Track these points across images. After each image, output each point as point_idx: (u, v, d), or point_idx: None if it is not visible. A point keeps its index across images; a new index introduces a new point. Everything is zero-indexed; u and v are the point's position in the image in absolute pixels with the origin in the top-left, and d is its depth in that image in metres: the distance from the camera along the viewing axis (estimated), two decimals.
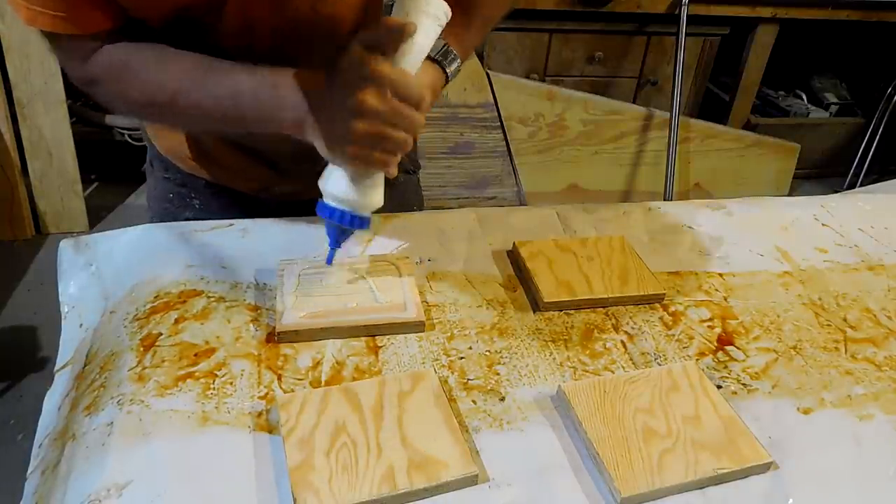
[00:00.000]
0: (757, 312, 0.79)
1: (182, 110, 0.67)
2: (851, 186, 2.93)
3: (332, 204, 0.65)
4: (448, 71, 0.69)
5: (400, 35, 0.57)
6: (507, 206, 1.05)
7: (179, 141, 0.88)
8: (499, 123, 2.33)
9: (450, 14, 0.62)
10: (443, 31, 0.65)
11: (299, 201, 0.78)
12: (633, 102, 2.59)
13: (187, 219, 0.90)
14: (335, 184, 0.65)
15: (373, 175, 0.65)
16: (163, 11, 0.65)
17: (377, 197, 0.66)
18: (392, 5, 0.61)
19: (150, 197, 0.98)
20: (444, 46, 0.68)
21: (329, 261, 0.72)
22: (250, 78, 0.64)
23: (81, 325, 0.73)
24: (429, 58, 0.66)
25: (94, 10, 0.64)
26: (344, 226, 0.67)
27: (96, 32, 0.65)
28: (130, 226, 0.82)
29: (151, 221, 0.95)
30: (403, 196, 0.97)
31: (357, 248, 0.82)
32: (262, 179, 0.89)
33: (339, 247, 0.71)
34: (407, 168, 1.01)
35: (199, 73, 0.65)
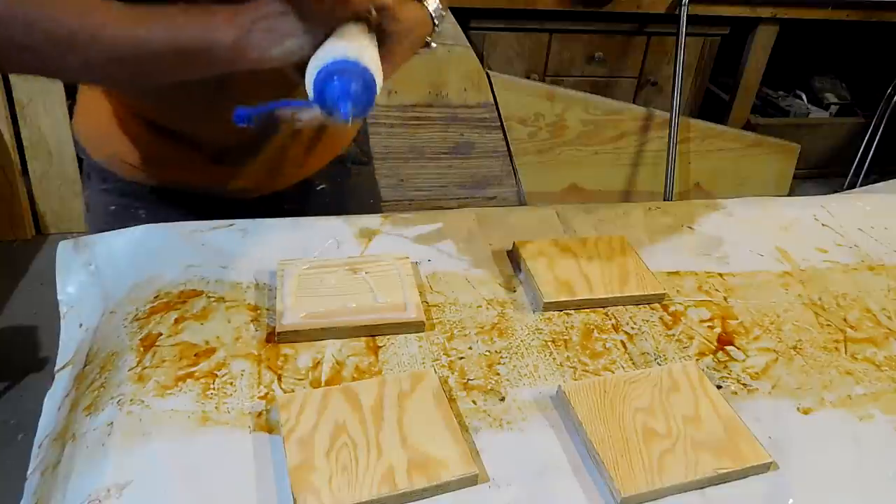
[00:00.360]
0: (757, 312, 0.79)
1: (108, 47, 0.58)
2: (851, 186, 2.93)
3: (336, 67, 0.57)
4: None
5: None
6: (507, 206, 1.05)
7: (119, 145, 0.84)
8: (499, 123, 2.33)
9: None
10: None
11: (252, 199, 0.76)
12: (633, 102, 2.60)
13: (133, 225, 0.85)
14: (329, 50, 0.57)
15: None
16: None
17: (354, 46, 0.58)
18: None
19: (88, 213, 0.91)
20: None
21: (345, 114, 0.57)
22: (185, 9, 0.59)
23: (81, 325, 0.73)
24: None
25: None
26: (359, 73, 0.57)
27: None
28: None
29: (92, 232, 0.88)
30: (361, 188, 0.97)
31: (357, 248, 0.82)
32: (211, 176, 0.86)
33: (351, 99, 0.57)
34: (359, 159, 1.00)
35: (130, 8, 0.58)
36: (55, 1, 0.57)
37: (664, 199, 2.37)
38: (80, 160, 0.93)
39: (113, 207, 0.88)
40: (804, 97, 2.99)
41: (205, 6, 0.58)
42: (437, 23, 0.67)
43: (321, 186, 0.95)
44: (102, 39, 0.58)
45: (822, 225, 0.97)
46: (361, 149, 1.02)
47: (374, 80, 0.57)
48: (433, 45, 0.69)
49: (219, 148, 0.83)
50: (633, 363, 0.70)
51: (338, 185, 0.96)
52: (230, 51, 0.58)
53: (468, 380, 0.66)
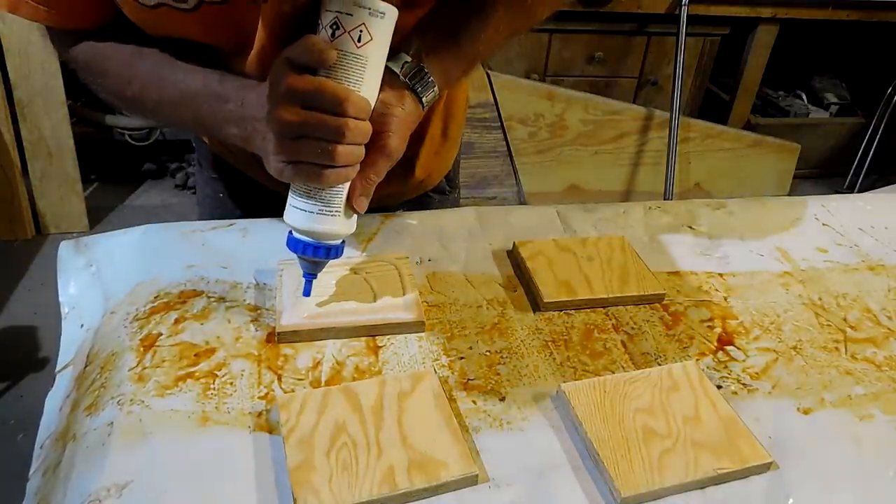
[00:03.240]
0: (757, 312, 0.79)
1: (149, 109, 0.70)
2: (851, 186, 2.93)
3: (293, 235, 0.63)
4: (415, 88, 0.64)
5: (319, 58, 0.56)
6: (507, 206, 1.05)
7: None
8: (499, 123, 2.33)
9: (394, 12, 0.58)
10: (425, 58, 0.63)
11: None
12: (633, 102, 2.60)
13: (238, 216, 0.89)
14: (290, 213, 0.62)
15: (321, 199, 0.60)
16: (183, 38, 0.66)
17: (335, 225, 0.62)
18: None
19: (199, 196, 0.99)
20: (416, 68, 0.64)
21: (306, 293, 0.67)
22: (202, 88, 0.64)
23: (82, 325, 0.73)
24: (395, 76, 0.63)
25: (79, 8, 0.65)
26: (306, 257, 0.64)
27: (76, 29, 0.67)
28: (130, 226, 0.82)
29: (202, 219, 0.95)
30: None
31: (357, 248, 0.82)
32: None
33: (315, 276, 0.67)
34: (442, 188, 0.99)
35: (162, 74, 0.66)
36: (106, 72, 0.69)
37: (664, 199, 2.37)
38: (192, 148, 0.98)
39: (222, 195, 0.93)
40: (804, 97, 2.99)
41: (222, 93, 0.63)
42: (424, 109, 0.66)
43: (399, 212, 0.94)
44: (142, 107, 0.71)
45: (823, 225, 0.97)
46: (448, 178, 1.00)
47: (334, 247, 0.64)
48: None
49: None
50: (633, 363, 0.70)
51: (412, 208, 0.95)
52: (238, 141, 0.63)
53: (468, 380, 0.66)
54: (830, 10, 2.56)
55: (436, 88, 0.65)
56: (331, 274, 0.75)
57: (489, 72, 2.29)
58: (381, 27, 0.58)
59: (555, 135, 2.47)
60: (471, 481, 0.56)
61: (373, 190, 0.63)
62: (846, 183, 2.97)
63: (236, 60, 0.67)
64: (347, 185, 0.61)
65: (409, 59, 0.63)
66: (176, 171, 2.66)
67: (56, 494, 0.55)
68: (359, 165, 0.60)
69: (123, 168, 2.65)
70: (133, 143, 2.47)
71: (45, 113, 2.16)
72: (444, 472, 0.55)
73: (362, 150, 0.59)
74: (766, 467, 0.59)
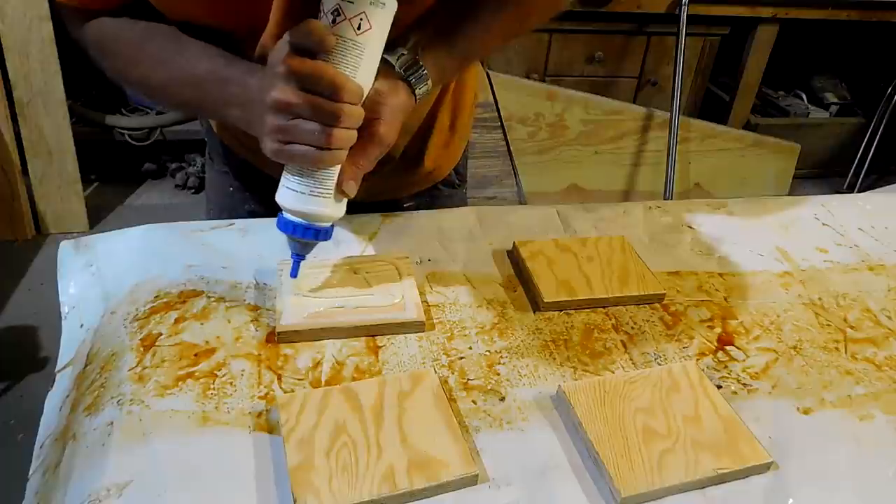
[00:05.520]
0: (757, 312, 0.79)
1: (155, 89, 0.72)
2: (851, 186, 2.93)
3: (286, 216, 0.64)
4: (409, 79, 0.65)
5: (318, 42, 0.57)
6: (507, 206, 1.05)
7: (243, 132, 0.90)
8: (499, 123, 2.33)
9: (394, 4, 0.60)
10: (421, 52, 0.65)
11: (363, 203, 0.77)
12: (633, 102, 2.60)
13: (248, 211, 0.93)
14: (281, 193, 0.63)
15: (313, 181, 0.62)
16: (197, 21, 0.68)
17: (325, 207, 0.63)
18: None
19: (209, 190, 1.01)
20: (412, 61, 0.66)
21: (293, 273, 0.69)
22: (208, 71, 0.65)
23: (82, 325, 0.73)
24: (391, 67, 0.64)
25: None
26: (295, 237, 0.65)
27: (97, 9, 0.68)
28: (130, 226, 0.82)
29: (210, 213, 0.98)
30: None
31: (357, 248, 0.82)
32: None
33: (303, 258, 0.68)
34: (452, 181, 1.01)
35: (170, 55, 0.67)
36: (116, 52, 0.71)
37: (664, 199, 2.37)
38: (202, 142, 0.99)
39: (231, 189, 0.94)
40: (804, 97, 2.99)
41: (226, 75, 0.65)
42: (417, 102, 0.67)
43: (408, 205, 0.95)
44: (148, 87, 0.73)
45: (822, 225, 0.97)
46: (457, 171, 1.01)
47: (323, 229, 0.65)
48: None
49: None
50: (633, 363, 0.70)
51: (425, 205, 0.96)
52: (238, 122, 0.65)
53: (468, 380, 0.66)
54: (830, 10, 2.56)
55: (429, 82, 0.66)
56: (331, 274, 0.75)
57: (489, 72, 2.29)
58: (380, 17, 0.59)
59: (555, 135, 2.47)
60: (471, 481, 0.56)
61: (362, 176, 0.64)
62: (846, 183, 2.97)
63: (248, 46, 0.67)
64: (338, 169, 0.62)
65: (405, 52, 0.65)
66: (176, 171, 2.66)
67: (56, 494, 0.55)
68: (348, 150, 0.61)
69: (123, 168, 2.65)
70: (133, 143, 2.47)
71: (45, 113, 2.16)
72: (444, 472, 0.55)
73: (355, 134, 0.61)
74: (766, 467, 0.59)
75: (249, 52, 0.67)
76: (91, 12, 0.69)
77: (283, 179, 0.64)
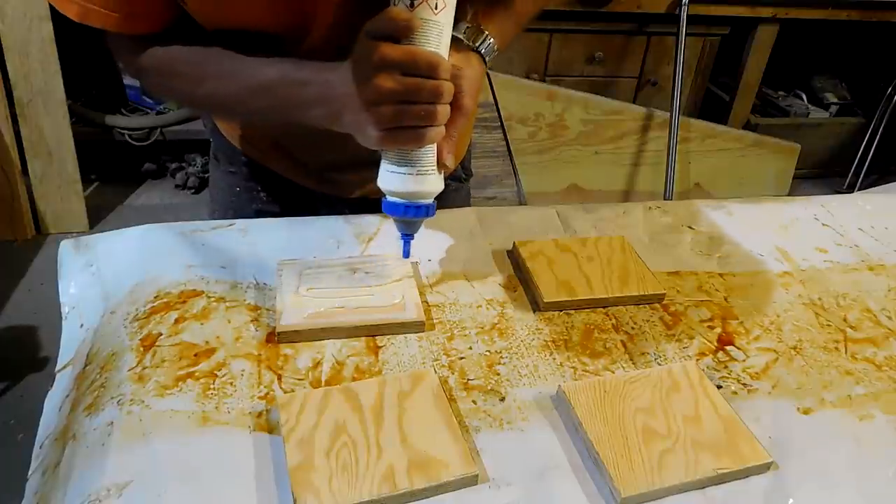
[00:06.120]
0: (757, 312, 0.79)
1: (222, 104, 0.73)
2: (851, 186, 2.93)
3: (390, 199, 0.66)
4: (479, 49, 0.69)
5: (404, 27, 0.59)
6: (507, 206, 1.05)
7: (254, 133, 0.90)
8: (499, 123, 2.33)
9: None
10: (482, 20, 0.68)
11: (370, 199, 0.78)
12: (633, 102, 2.60)
13: (255, 210, 0.94)
14: (386, 179, 0.65)
15: (417, 160, 0.64)
16: (244, 26, 0.68)
17: (430, 184, 0.66)
18: None
19: (213, 190, 1.01)
20: (477, 31, 0.69)
21: (405, 254, 0.72)
22: (280, 77, 0.66)
23: (82, 325, 0.73)
24: (459, 41, 0.67)
25: (147, 13, 0.67)
26: (406, 218, 0.67)
27: (145, 34, 0.69)
28: (130, 226, 0.82)
29: (215, 213, 0.99)
30: (454, 204, 0.97)
31: (357, 248, 0.82)
32: (335, 187, 0.91)
33: (412, 237, 0.71)
34: (458, 175, 1.01)
35: (234, 67, 0.68)
36: (175, 74, 0.71)
37: (664, 199, 2.37)
38: (207, 142, 1.00)
39: (238, 188, 0.95)
40: (804, 97, 2.99)
41: (301, 78, 0.65)
42: (484, 54, 0.70)
43: None
44: (213, 103, 0.75)
45: (823, 225, 0.97)
46: (463, 165, 1.02)
47: (427, 206, 0.67)
48: None
49: (321, 164, 0.88)
50: (633, 363, 0.70)
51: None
52: (323, 122, 0.65)
53: (468, 380, 0.66)
54: (830, 10, 2.56)
55: (496, 48, 0.70)
56: (331, 274, 0.75)
57: (489, 71, 2.28)
58: None
59: (555, 135, 2.47)
60: (471, 481, 0.56)
61: (455, 147, 0.66)
62: (846, 183, 2.97)
63: (295, 49, 0.68)
64: (435, 145, 0.65)
65: (469, 24, 0.68)
66: (176, 171, 2.66)
67: (56, 494, 0.55)
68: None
69: (123, 168, 2.65)
70: (133, 143, 2.47)
71: (45, 113, 2.16)
72: (444, 472, 0.55)
73: (450, 108, 0.63)
74: (766, 467, 0.59)
75: (297, 56, 0.68)
76: (142, 39, 0.69)
77: (383, 165, 0.65)
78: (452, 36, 0.65)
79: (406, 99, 0.59)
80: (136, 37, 0.69)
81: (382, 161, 0.65)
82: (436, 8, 0.60)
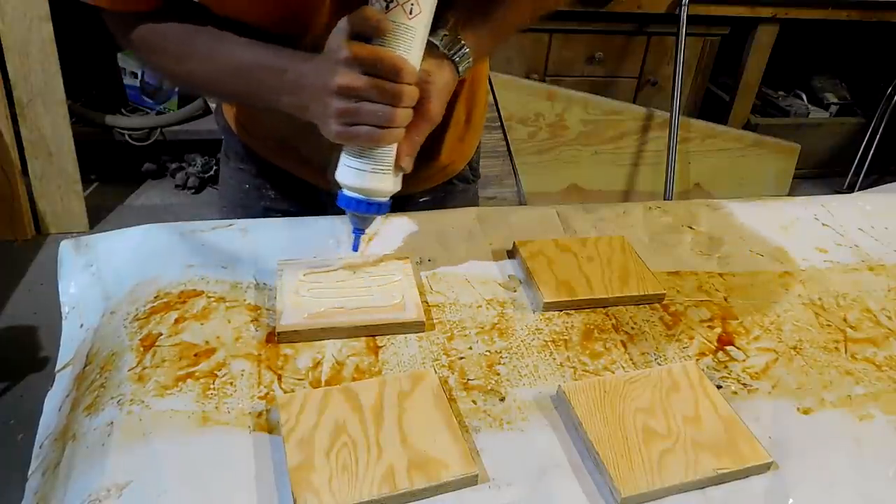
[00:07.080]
0: (757, 312, 0.79)
1: (202, 83, 0.75)
2: (851, 186, 2.93)
3: (345, 192, 0.68)
4: (453, 58, 0.69)
5: (374, 28, 0.60)
6: (507, 206, 1.05)
7: (266, 128, 0.90)
8: (499, 123, 2.33)
9: None
10: (460, 31, 0.68)
11: None
12: (633, 102, 2.60)
13: (263, 208, 0.95)
14: (342, 172, 0.67)
15: (374, 159, 0.65)
16: (252, 19, 0.69)
17: (385, 183, 0.67)
18: None
19: (223, 187, 1.03)
20: (454, 40, 0.69)
21: (354, 247, 0.74)
22: (257, 62, 0.67)
23: (82, 325, 0.73)
24: (435, 47, 0.68)
25: None
26: (358, 213, 0.68)
27: (136, 11, 0.70)
28: (130, 226, 0.82)
29: (224, 210, 1.00)
30: (462, 205, 0.97)
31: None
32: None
33: (363, 232, 0.73)
34: (467, 177, 1.02)
35: (216, 48, 0.70)
36: (163, 51, 0.73)
37: (664, 199, 2.37)
38: (208, 142, 1.01)
39: (247, 185, 0.96)
40: (804, 97, 2.99)
41: (277, 65, 0.66)
42: (460, 77, 0.71)
43: (424, 199, 0.96)
44: (195, 83, 0.77)
45: (823, 225, 0.97)
46: (471, 166, 1.02)
47: (380, 203, 0.69)
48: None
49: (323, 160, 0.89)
50: (633, 363, 0.70)
51: (440, 200, 0.97)
52: (292, 109, 0.67)
53: (468, 380, 0.66)
54: (830, 10, 2.56)
55: (471, 59, 0.70)
56: (331, 274, 0.75)
57: (489, 72, 2.28)
58: (429, 1, 0.62)
59: (555, 135, 2.47)
60: (471, 481, 0.56)
61: (416, 151, 0.68)
62: (846, 183, 2.97)
63: (297, 45, 0.69)
64: (396, 146, 0.66)
65: (447, 32, 0.69)
66: (176, 171, 2.66)
67: (56, 494, 0.55)
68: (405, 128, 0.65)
69: (123, 168, 2.65)
70: (133, 143, 2.47)
71: (45, 113, 2.16)
72: (444, 472, 0.55)
73: (412, 112, 0.64)
74: (766, 467, 0.59)
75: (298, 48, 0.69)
76: (138, 14, 0.70)
77: (342, 159, 0.67)
78: (429, 42, 0.66)
79: (365, 98, 0.61)
80: (131, 14, 0.70)
81: (342, 154, 0.67)
82: (410, 13, 0.61)
